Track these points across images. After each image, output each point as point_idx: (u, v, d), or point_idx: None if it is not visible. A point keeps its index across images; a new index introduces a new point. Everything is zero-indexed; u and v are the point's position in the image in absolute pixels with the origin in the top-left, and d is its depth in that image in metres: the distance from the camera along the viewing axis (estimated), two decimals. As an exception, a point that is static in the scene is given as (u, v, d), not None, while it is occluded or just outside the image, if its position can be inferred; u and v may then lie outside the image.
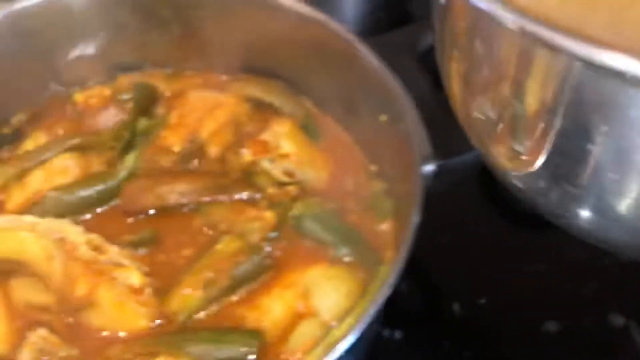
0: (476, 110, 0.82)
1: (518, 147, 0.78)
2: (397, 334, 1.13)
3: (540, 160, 0.76)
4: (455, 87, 0.87)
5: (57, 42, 1.23)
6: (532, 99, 0.71)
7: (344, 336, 0.83)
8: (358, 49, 1.12)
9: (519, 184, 0.85)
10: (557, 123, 0.70)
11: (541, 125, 0.72)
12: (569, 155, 0.73)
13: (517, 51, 0.69)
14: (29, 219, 1.06)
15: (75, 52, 1.26)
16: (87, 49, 1.27)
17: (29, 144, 1.23)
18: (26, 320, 1.03)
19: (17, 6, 1.17)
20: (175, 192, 1.13)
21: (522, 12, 0.62)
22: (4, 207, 1.15)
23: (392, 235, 1.10)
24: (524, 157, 0.78)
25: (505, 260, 1.21)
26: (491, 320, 1.16)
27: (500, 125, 0.79)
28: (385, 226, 1.11)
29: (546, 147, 0.74)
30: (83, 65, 1.29)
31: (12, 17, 1.17)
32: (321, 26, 1.16)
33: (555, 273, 1.19)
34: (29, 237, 1.03)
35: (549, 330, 1.13)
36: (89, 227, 1.08)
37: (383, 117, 1.10)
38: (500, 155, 0.83)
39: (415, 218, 0.92)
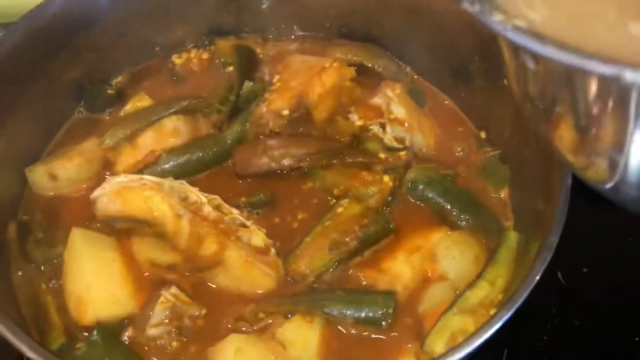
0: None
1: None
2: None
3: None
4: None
5: (160, 4, 1.22)
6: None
7: (510, 306, 0.83)
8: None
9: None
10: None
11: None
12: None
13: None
14: (152, 178, 1.06)
15: (175, 15, 1.25)
16: (189, 12, 1.26)
17: (130, 106, 1.23)
18: (152, 280, 1.03)
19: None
20: (289, 156, 1.13)
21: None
22: (114, 168, 1.15)
23: (508, 201, 1.11)
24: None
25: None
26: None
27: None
28: (501, 193, 1.12)
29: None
30: (181, 28, 1.28)
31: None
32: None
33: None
34: (156, 197, 1.02)
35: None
36: (201, 188, 1.08)
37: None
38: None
39: (564, 196, 0.91)
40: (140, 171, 1.12)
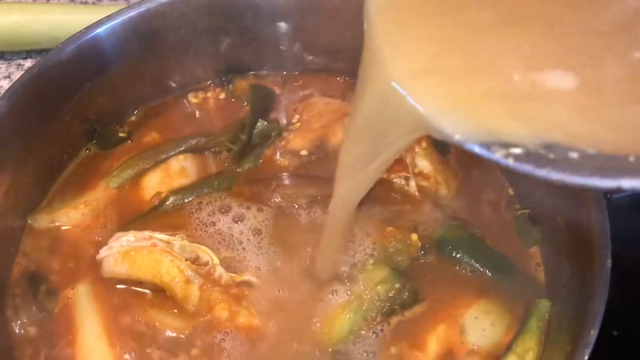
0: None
1: None
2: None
3: None
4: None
5: (178, 43, 1.16)
6: None
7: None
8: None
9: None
10: None
11: None
12: None
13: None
14: (162, 236, 1.01)
15: (193, 53, 1.19)
16: (207, 49, 1.20)
17: (139, 144, 1.18)
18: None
19: (144, 7, 1.09)
20: (303, 196, 1.08)
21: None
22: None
23: (539, 260, 1.05)
24: None
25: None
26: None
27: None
28: (531, 251, 1.05)
29: None
30: (199, 66, 1.22)
31: (138, 17, 1.09)
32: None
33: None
34: (166, 260, 0.97)
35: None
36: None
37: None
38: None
39: (604, 282, 0.84)
40: (145, 214, 1.07)
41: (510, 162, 0.62)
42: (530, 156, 0.62)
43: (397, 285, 0.98)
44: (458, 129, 0.64)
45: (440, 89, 0.67)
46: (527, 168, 0.62)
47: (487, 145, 0.63)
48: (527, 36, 0.69)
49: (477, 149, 0.63)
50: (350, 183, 0.85)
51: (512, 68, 0.67)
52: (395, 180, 1.10)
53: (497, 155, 0.63)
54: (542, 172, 0.61)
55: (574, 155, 0.62)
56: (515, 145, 0.62)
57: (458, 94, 0.66)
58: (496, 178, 1.14)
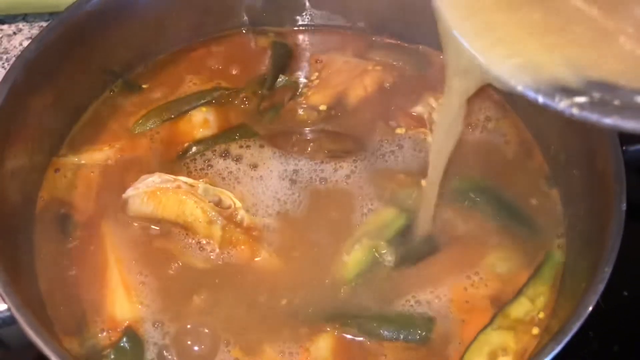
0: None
1: None
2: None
3: None
4: None
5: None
6: None
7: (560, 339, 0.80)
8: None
9: None
10: None
11: None
12: None
13: None
14: (186, 179, 1.03)
15: (216, 7, 1.21)
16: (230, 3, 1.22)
17: (160, 95, 1.19)
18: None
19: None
20: (322, 150, 1.10)
21: None
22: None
23: (555, 208, 1.06)
24: None
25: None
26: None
27: None
28: (547, 199, 1.07)
29: None
30: (222, 19, 1.24)
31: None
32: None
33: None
34: (190, 201, 0.99)
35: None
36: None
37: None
38: None
39: (619, 223, 0.86)
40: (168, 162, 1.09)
41: (575, 111, 0.62)
42: (594, 105, 0.62)
43: (404, 220, 1.01)
44: (520, 79, 0.66)
45: (503, 44, 0.69)
46: (592, 117, 0.62)
47: (551, 95, 0.63)
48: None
49: (540, 99, 0.64)
50: (445, 135, 0.90)
51: (574, 22, 0.68)
52: (413, 135, 1.12)
53: (562, 104, 0.63)
54: (608, 121, 0.61)
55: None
56: (580, 93, 0.63)
57: (519, 46, 0.68)
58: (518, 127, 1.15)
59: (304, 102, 1.17)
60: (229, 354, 0.92)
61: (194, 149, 1.11)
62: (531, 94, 0.65)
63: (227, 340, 0.93)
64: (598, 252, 0.87)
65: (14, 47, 1.41)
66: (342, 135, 1.13)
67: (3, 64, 1.38)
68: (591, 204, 0.97)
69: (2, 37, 1.42)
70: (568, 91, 0.63)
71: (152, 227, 1.02)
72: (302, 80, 1.21)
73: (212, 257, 1.00)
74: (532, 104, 1.02)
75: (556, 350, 0.77)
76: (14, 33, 1.43)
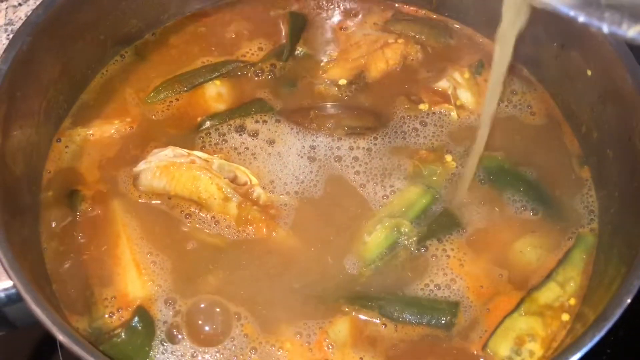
0: None
1: None
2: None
3: None
4: None
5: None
6: None
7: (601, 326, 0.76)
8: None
9: None
10: None
11: None
12: None
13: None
14: (200, 154, 0.98)
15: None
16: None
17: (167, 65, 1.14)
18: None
19: None
20: (341, 127, 1.06)
21: None
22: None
23: (587, 192, 1.02)
24: None
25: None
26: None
27: None
28: (579, 183, 1.02)
29: None
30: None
31: None
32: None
33: None
34: (204, 177, 0.95)
35: None
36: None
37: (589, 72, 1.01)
38: None
39: None
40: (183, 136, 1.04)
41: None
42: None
43: (429, 198, 0.97)
44: None
45: None
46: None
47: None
48: None
49: (581, 18, 0.60)
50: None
51: None
52: (437, 112, 1.08)
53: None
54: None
55: None
56: None
57: None
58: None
59: (323, 75, 1.12)
60: (242, 333, 0.88)
61: (207, 123, 1.06)
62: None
63: (240, 318, 0.89)
64: (635, 233, 0.82)
65: (19, 18, 1.36)
66: (363, 111, 1.09)
67: (8, 35, 1.33)
68: (626, 186, 0.92)
69: (7, 8, 1.37)
70: None
71: (164, 202, 0.98)
72: (322, 53, 1.16)
73: (227, 235, 0.95)
74: (561, 78, 0.99)
75: (597, 337, 0.73)
76: (19, 4, 1.39)
